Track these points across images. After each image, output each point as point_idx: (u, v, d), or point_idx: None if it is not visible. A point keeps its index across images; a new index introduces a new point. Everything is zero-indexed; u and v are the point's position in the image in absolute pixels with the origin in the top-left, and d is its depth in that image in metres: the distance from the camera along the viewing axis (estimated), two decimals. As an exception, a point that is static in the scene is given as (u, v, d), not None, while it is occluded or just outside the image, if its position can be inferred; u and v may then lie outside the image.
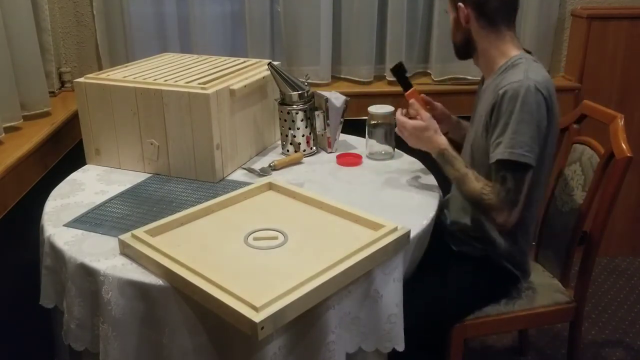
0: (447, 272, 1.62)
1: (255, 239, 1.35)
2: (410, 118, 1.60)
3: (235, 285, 1.11)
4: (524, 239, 1.60)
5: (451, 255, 1.65)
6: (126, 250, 1.29)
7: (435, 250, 1.56)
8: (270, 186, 1.58)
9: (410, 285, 1.41)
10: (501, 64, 1.54)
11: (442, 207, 1.67)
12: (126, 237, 1.31)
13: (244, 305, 1.08)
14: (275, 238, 1.35)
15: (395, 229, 1.32)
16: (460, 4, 1.53)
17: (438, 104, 1.78)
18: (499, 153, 1.43)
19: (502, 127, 1.43)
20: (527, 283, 1.71)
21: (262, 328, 1.05)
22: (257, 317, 1.05)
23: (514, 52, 1.54)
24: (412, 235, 1.35)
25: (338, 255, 1.21)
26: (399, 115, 1.61)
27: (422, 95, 1.71)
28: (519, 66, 1.49)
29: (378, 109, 1.82)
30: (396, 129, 1.63)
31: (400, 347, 1.31)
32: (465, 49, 1.61)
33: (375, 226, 1.34)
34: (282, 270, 1.22)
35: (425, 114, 1.58)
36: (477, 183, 1.48)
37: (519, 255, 1.62)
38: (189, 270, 1.18)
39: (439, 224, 1.59)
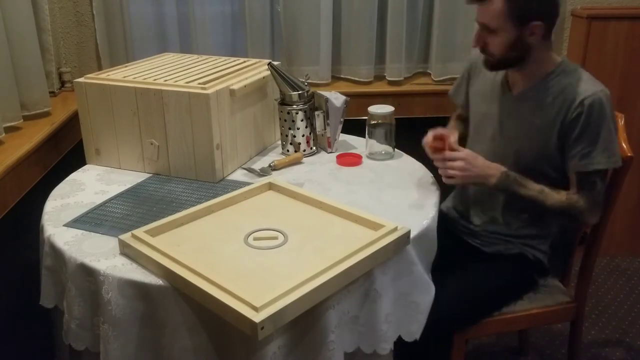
0: (479, 271, 1.64)
1: (255, 239, 1.35)
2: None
3: (235, 285, 1.11)
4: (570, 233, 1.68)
5: (482, 257, 1.68)
6: (126, 250, 1.29)
7: (462, 253, 1.63)
8: (270, 186, 1.58)
9: (440, 283, 1.45)
10: (549, 70, 1.55)
11: (461, 214, 1.74)
12: (126, 237, 1.31)
13: (244, 305, 1.08)
14: (275, 238, 1.35)
15: (395, 229, 1.32)
16: (536, 22, 1.46)
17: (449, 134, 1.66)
18: (596, 163, 1.47)
19: (593, 136, 1.47)
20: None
21: (262, 328, 1.05)
22: (257, 317, 1.05)
23: (556, 57, 1.57)
24: (412, 235, 1.35)
25: (338, 255, 1.21)
26: (437, 154, 1.51)
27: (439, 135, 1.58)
28: (578, 72, 1.53)
29: (378, 109, 1.82)
30: (441, 172, 1.51)
31: (389, 347, 1.32)
32: (514, 63, 1.55)
33: (375, 226, 1.34)
34: (282, 270, 1.22)
35: (456, 154, 1.50)
36: (558, 195, 1.50)
37: (548, 245, 1.66)
38: (189, 270, 1.18)
39: (461, 229, 1.66)
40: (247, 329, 1.06)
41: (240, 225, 1.40)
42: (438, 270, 1.50)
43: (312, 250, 1.30)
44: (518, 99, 1.60)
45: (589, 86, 1.49)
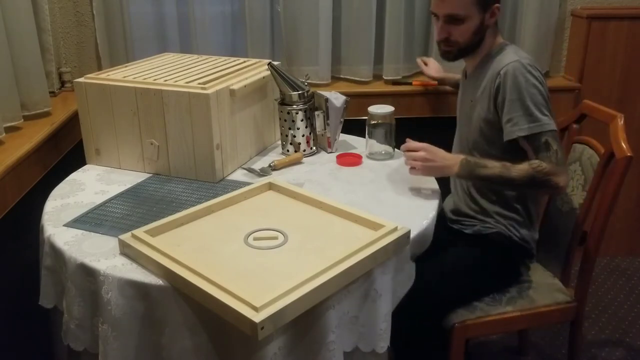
0: (459, 251, 1.68)
1: (255, 239, 1.35)
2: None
3: (235, 285, 1.11)
4: (533, 209, 1.70)
5: (465, 238, 1.71)
6: (126, 250, 1.29)
7: (445, 235, 1.66)
8: (270, 186, 1.58)
9: (423, 269, 1.47)
10: (488, 51, 1.65)
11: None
12: (126, 237, 1.31)
13: (244, 305, 1.08)
14: (275, 238, 1.35)
15: (395, 229, 1.32)
16: (497, 4, 1.59)
17: (431, 66, 2.01)
18: (519, 130, 1.52)
19: (512, 102, 1.53)
20: (528, 282, 1.72)
21: (262, 328, 1.05)
22: (257, 317, 1.05)
23: (499, 39, 1.67)
24: (412, 235, 1.35)
25: (338, 255, 1.21)
26: (407, 153, 1.60)
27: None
28: (506, 49, 1.62)
29: (378, 109, 1.82)
30: (411, 170, 1.61)
31: (386, 346, 1.32)
32: (473, 49, 1.65)
33: (375, 226, 1.34)
34: (282, 270, 1.22)
35: (416, 144, 1.58)
36: (520, 164, 1.52)
37: (530, 229, 1.69)
38: (189, 270, 1.18)
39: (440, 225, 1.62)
40: (247, 329, 1.06)
41: (240, 225, 1.40)
42: (425, 257, 1.51)
43: (312, 250, 1.30)
44: (467, 82, 1.73)
45: (507, 58, 1.57)
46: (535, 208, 1.70)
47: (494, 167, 1.52)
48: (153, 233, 1.33)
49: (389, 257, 1.29)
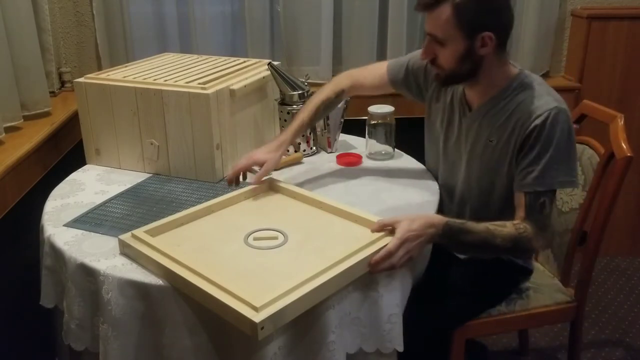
0: (456, 277, 1.61)
1: (255, 239, 1.35)
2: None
3: (235, 285, 1.11)
4: None
5: (457, 263, 1.64)
6: (126, 250, 1.29)
7: (439, 259, 1.55)
8: (270, 186, 1.58)
9: (421, 293, 1.41)
10: (504, 85, 1.45)
11: None
12: (126, 237, 1.30)
13: (244, 305, 1.08)
14: (275, 238, 1.35)
15: (395, 230, 1.31)
16: (486, 32, 1.35)
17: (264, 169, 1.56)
18: (550, 183, 1.38)
19: (546, 154, 1.37)
20: (528, 283, 1.71)
21: (262, 328, 1.05)
22: (257, 317, 1.05)
23: (513, 70, 1.47)
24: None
25: (338, 255, 1.21)
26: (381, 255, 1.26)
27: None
28: (533, 87, 1.43)
29: (378, 109, 1.82)
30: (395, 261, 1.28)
31: (400, 347, 1.31)
32: (465, 78, 1.45)
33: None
34: (282, 270, 1.22)
35: (393, 246, 1.26)
36: (506, 228, 1.36)
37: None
38: (189, 270, 1.18)
39: None
40: (247, 329, 1.06)
41: (240, 225, 1.40)
42: (420, 283, 1.46)
43: (312, 250, 1.30)
44: (474, 116, 1.51)
45: (542, 102, 1.39)
46: None
47: (478, 232, 1.34)
48: (153, 233, 1.33)
49: None
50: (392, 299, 1.29)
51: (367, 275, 1.26)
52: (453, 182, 1.61)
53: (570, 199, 1.74)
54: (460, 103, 1.55)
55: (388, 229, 1.31)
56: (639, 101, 2.57)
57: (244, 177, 1.61)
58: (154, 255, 1.23)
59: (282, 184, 1.56)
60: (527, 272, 1.70)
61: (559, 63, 2.65)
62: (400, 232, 1.27)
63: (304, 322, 1.18)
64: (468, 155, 1.54)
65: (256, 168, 1.58)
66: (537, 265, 1.84)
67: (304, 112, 1.68)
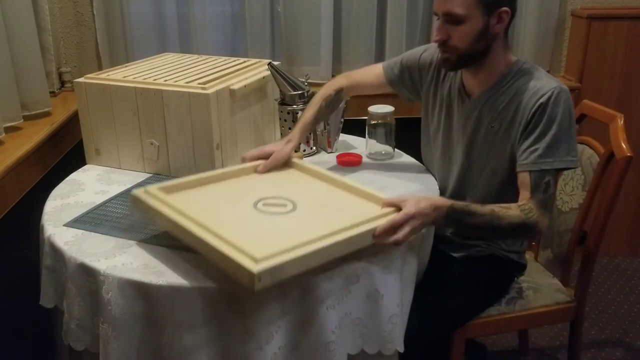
0: (453, 277, 1.61)
1: (264, 204, 1.37)
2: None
3: (238, 239, 1.12)
4: None
5: (453, 262, 1.64)
6: (137, 205, 1.32)
7: (436, 259, 1.56)
8: (287, 162, 1.60)
9: (419, 295, 1.41)
10: (503, 71, 1.48)
11: None
12: (139, 192, 1.33)
13: (244, 257, 1.08)
14: (284, 206, 1.37)
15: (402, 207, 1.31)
16: (504, 7, 1.38)
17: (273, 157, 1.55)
18: (552, 161, 1.38)
19: (549, 133, 1.39)
20: (528, 282, 1.72)
21: (260, 279, 1.05)
22: (255, 268, 1.05)
23: (511, 57, 1.50)
24: (411, 235, 1.35)
25: (343, 225, 1.21)
26: (383, 226, 1.25)
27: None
28: (532, 72, 1.46)
29: (378, 109, 1.82)
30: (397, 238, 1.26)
31: (401, 348, 1.31)
32: (475, 59, 1.45)
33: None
34: (286, 232, 1.24)
35: (400, 218, 1.26)
36: (512, 210, 1.36)
37: (520, 245, 1.66)
38: (195, 223, 1.19)
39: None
40: (246, 280, 1.06)
41: (252, 193, 1.42)
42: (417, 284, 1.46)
43: (318, 218, 1.32)
44: (474, 104, 1.52)
45: (544, 83, 1.42)
46: None
47: (483, 214, 1.33)
48: (166, 190, 1.36)
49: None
50: (393, 300, 1.29)
51: (367, 275, 1.26)
52: (449, 178, 1.62)
53: (570, 199, 1.74)
54: (458, 93, 1.56)
55: (395, 207, 1.30)
56: (639, 101, 2.57)
57: None
58: (163, 208, 1.26)
59: (296, 160, 1.58)
60: (522, 267, 1.71)
61: (559, 63, 2.65)
62: (407, 208, 1.27)
63: (304, 322, 1.18)
64: (467, 146, 1.55)
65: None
66: (537, 265, 1.84)
67: (308, 111, 1.71)
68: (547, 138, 1.39)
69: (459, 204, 1.34)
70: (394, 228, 1.25)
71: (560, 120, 1.39)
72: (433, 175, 1.71)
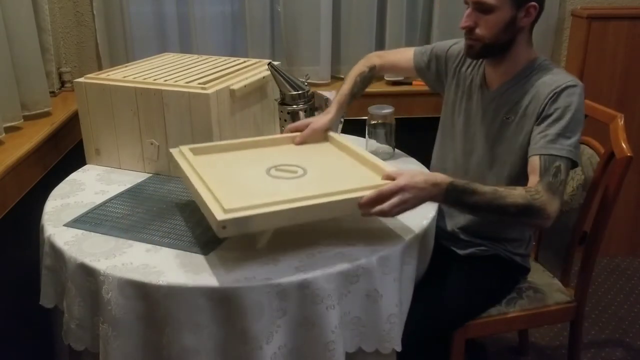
0: (455, 276, 1.61)
1: (277, 170, 1.44)
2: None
3: (223, 193, 1.21)
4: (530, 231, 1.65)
5: (457, 260, 1.65)
6: (172, 160, 1.50)
7: (439, 256, 1.56)
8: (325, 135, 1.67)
9: (421, 292, 1.42)
10: (524, 66, 1.51)
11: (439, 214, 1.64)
12: (174, 150, 1.50)
13: (217, 206, 1.17)
14: (295, 172, 1.43)
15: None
16: (533, 2, 1.43)
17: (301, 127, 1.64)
18: (560, 148, 1.39)
19: (561, 121, 1.41)
20: (528, 282, 1.72)
21: (224, 227, 1.14)
22: (221, 216, 1.14)
23: (533, 53, 1.53)
24: (412, 235, 1.35)
25: (330, 189, 1.24)
26: (369, 196, 1.24)
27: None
28: (553, 68, 1.49)
29: (378, 109, 1.82)
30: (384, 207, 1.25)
31: (398, 347, 1.31)
32: (499, 50, 1.49)
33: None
34: (277, 193, 1.26)
35: (389, 189, 1.24)
36: (516, 191, 1.33)
37: (525, 247, 1.66)
38: (199, 177, 1.32)
39: (437, 231, 1.55)
40: (215, 227, 1.15)
41: (270, 160, 1.50)
42: (420, 282, 1.46)
43: (319, 184, 1.35)
44: (492, 95, 1.56)
45: (561, 77, 1.46)
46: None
47: (484, 193, 1.30)
48: (195, 152, 1.49)
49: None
50: (392, 299, 1.29)
51: (367, 275, 1.26)
52: (469, 170, 1.63)
53: (570, 199, 1.74)
54: (480, 86, 1.60)
55: (391, 179, 1.30)
56: (639, 101, 2.57)
57: None
58: (184, 165, 1.41)
59: (332, 134, 1.65)
60: (525, 271, 1.71)
61: (559, 63, 2.65)
62: (399, 180, 1.26)
63: (304, 322, 1.18)
64: (485, 137, 1.58)
65: None
66: (537, 265, 1.84)
67: (344, 86, 1.81)
68: (559, 125, 1.41)
69: (460, 181, 1.31)
70: (381, 199, 1.23)
71: (574, 111, 1.41)
72: (442, 170, 1.68)
